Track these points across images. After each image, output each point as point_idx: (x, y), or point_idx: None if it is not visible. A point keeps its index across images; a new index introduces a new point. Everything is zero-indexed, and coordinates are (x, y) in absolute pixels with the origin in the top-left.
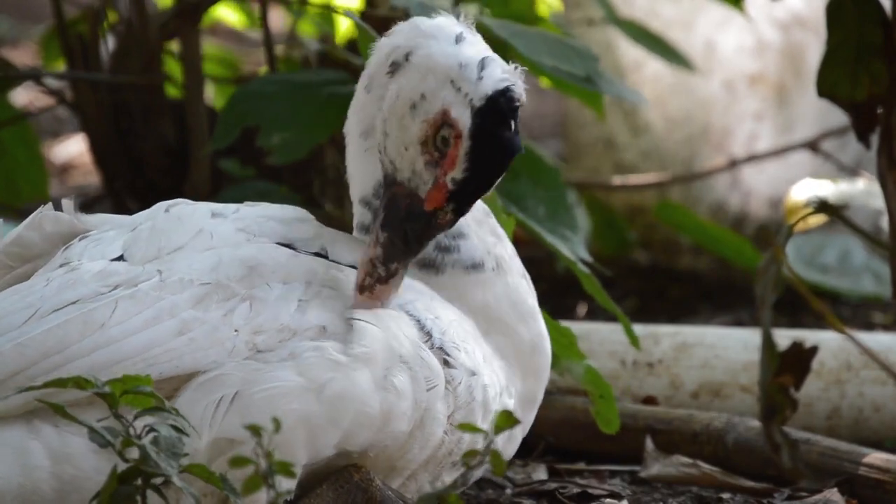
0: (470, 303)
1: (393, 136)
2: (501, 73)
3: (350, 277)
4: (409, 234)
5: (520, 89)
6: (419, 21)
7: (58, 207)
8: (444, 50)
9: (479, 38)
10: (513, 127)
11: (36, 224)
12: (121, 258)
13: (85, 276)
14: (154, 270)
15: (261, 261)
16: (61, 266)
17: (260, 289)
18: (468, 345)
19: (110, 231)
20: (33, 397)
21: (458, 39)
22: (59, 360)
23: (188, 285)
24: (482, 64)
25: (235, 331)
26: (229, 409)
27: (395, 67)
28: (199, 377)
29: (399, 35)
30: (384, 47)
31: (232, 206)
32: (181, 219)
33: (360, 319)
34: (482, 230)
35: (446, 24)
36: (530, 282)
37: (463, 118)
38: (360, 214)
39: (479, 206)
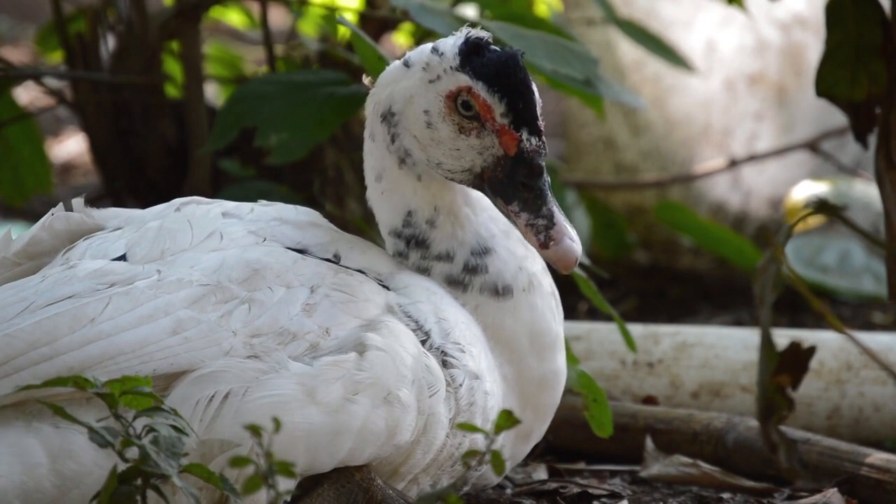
0: (486, 321)
1: (444, 156)
2: (453, 40)
3: (361, 281)
4: (526, 183)
5: (476, 33)
6: (383, 74)
7: (68, 208)
8: (404, 75)
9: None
10: (493, 49)
11: (48, 226)
12: (123, 258)
13: (80, 274)
14: (153, 270)
15: (266, 264)
16: (61, 265)
17: (261, 292)
18: (474, 348)
19: (115, 231)
20: (27, 395)
21: (406, 63)
22: (48, 351)
23: (186, 285)
24: (434, 48)
25: (233, 332)
26: (231, 409)
27: (385, 118)
28: (195, 373)
29: (376, 91)
30: (370, 104)
31: (246, 206)
32: (190, 220)
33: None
34: (511, 242)
35: (393, 66)
36: (559, 299)
37: (458, 80)
38: (393, 245)
39: (503, 217)
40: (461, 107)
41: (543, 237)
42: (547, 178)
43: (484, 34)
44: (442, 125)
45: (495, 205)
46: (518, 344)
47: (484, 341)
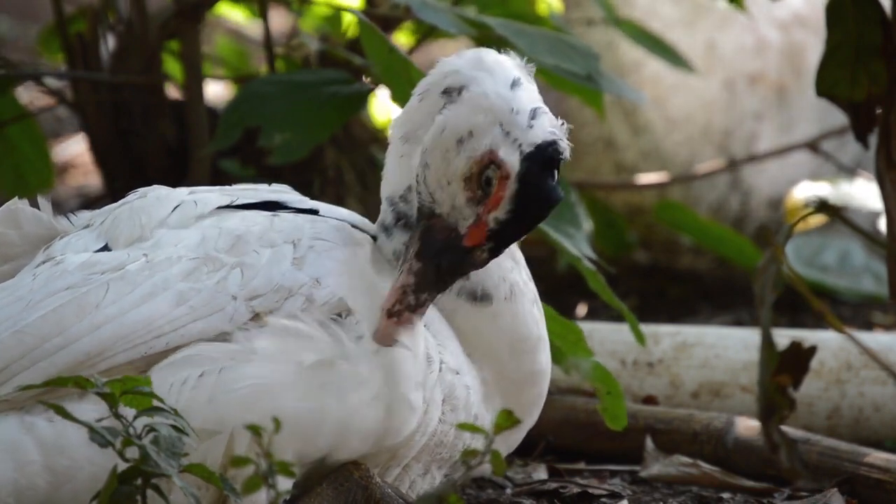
0: (463, 326)
1: (434, 169)
2: (550, 126)
3: (341, 227)
4: (442, 267)
5: (565, 144)
6: (483, 54)
7: (34, 205)
8: (498, 91)
9: (533, 87)
10: (555, 178)
11: (11, 219)
12: (104, 248)
13: (70, 267)
14: (140, 254)
15: (246, 228)
16: (45, 262)
17: (248, 255)
18: (451, 343)
19: (86, 227)
20: (28, 396)
21: (514, 84)
22: (61, 341)
23: (176, 262)
24: (534, 113)
25: (233, 297)
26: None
27: (448, 93)
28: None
29: (462, 60)
30: (445, 66)
31: (214, 188)
32: (160, 198)
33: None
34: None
35: (507, 64)
36: (541, 308)
37: (511, 160)
38: (383, 212)
39: None
40: (486, 176)
41: (398, 308)
42: (453, 284)
43: (567, 151)
44: (464, 158)
45: (406, 244)
46: (498, 351)
47: (457, 342)
